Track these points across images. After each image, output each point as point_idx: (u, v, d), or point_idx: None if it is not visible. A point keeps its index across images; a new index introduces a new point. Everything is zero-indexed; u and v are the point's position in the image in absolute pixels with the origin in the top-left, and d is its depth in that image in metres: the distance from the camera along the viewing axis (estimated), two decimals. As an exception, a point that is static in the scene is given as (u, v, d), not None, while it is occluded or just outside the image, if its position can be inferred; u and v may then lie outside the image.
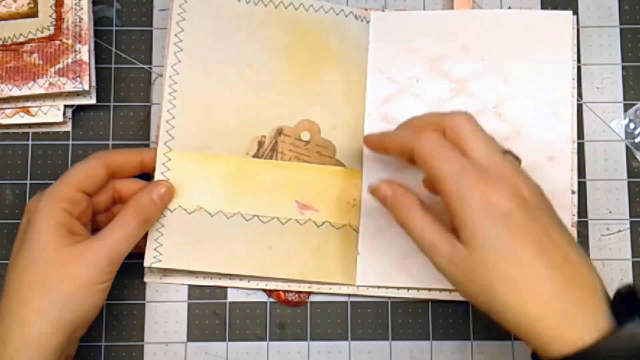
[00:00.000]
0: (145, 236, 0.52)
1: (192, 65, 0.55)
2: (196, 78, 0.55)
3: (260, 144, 0.54)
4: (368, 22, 0.57)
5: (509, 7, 0.58)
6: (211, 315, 0.55)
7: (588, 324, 0.41)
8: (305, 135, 0.55)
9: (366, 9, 0.57)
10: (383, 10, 0.58)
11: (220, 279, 0.54)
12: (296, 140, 0.55)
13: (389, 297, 0.55)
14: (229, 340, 0.55)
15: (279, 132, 0.55)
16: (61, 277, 0.47)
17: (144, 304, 0.55)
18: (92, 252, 0.48)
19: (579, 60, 0.58)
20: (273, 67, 0.56)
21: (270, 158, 0.54)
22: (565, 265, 0.43)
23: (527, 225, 0.43)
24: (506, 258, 0.43)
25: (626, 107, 0.58)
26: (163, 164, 0.53)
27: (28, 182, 0.56)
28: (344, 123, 0.56)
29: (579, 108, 0.57)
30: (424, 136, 0.46)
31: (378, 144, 0.51)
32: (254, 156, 0.54)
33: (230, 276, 0.54)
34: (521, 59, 0.56)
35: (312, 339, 0.55)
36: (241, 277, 0.54)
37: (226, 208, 0.54)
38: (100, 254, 0.48)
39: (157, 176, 0.53)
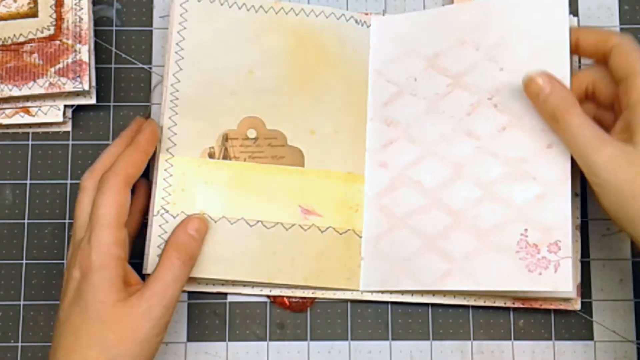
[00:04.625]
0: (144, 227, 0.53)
1: (194, 72, 0.55)
2: (197, 85, 0.55)
3: (211, 154, 0.54)
4: (369, 26, 0.57)
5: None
6: (211, 315, 0.55)
7: None
8: (252, 133, 0.55)
9: (366, 14, 0.57)
10: (383, 15, 0.58)
11: (222, 285, 0.54)
12: (244, 141, 0.54)
13: (393, 302, 0.55)
14: (229, 340, 0.55)
15: (225, 138, 0.54)
16: (118, 334, 0.47)
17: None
18: (145, 303, 0.47)
19: (579, 60, 0.58)
20: (274, 73, 0.55)
21: None
22: None
23: None
24: None
25: (626, 107, 0.58)
26: (165, 170, 0.53)
27: (28, 182, 0.56)
28: (345, 128, 0.55)
29: (579, 108, 0.57)
30: (628, 36, 0.50)
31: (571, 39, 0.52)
32: None
33: (234, 282, 0.54)
34: (516, 44, 0.54)
35: (312, 339, 0.55)
36: (244, 283, 0.54)
37: (229, 213, 0.53)
38: (153, 304, 0.47)
39: (160, 182, 0.53)
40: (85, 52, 0.54)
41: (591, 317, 0.55)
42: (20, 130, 0.57)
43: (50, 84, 0.54)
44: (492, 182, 0.53)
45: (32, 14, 0.55)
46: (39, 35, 0.55)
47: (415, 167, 0.55)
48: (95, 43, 0.56)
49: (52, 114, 0.56)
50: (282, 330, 0.55)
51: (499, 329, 0.55)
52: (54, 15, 0.55)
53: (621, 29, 0.58)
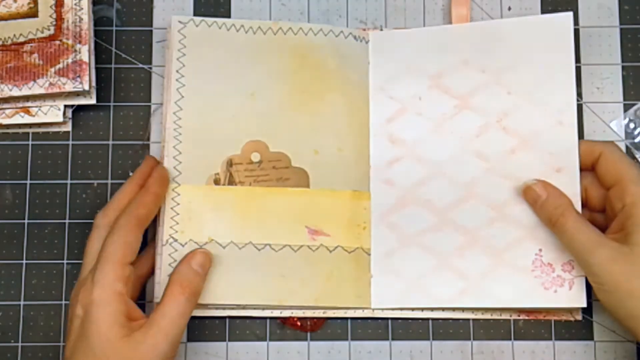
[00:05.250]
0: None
1: (195, 99, 0.55)
2: (200, 111, 0.54)
3: (217, 181, 0.54)
4: (367, 42, 0.57)
5: (509, 8, 0.58)
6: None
7: None
8: (256, 156, 0.54)
9: (364, 29, 0.57)
10: (381, 30, 0.58)
11: (232, 309, 0.54)
12: (248, 165, 0.54)
13: (406, 319, 0.55)
14: (229, 340, 0.55)
15: (229, 163, 0.54)
16: None
17: (143, 304, 0.55)
18: (151, 339, 0.46)
19: (578, 61, 0.58)
20: (275, 94, 0.55)
21: None
22: None
23: None
24: None
25: (626, 107, 0.58)
26: (172, 199, 0.53)
27: (28, 182, 0.56)
28: (349, 145, 0.55)
29: (579, 108, 0.57)
30: (613, 143, 0.53)
31: None
32: None
33: (244, 306, 0.54)
34: (523, 67, 0.55)
35: (312, 339, 0.55)
36: (254, 306, 0.54)
37: (237, 239, 0.53)
38: (159, 340, 0.46)
39: (167, 212, 0.53)
40: (85, 52, 0.54)
41: (591, 317, 0.55)
42: (20, 130, 0.57)
43: (50, 84, 0.54)
44: (503, 203, 0.54)
45: (32, 14, 0.55)
46: (39, 35, 0.55)
47: (423, 186, 0.55)
48: (95, 43, 0.56)
49: (52, 114, 0.56)
50: (282, 330, 0.55)
51: (499, 329, 0.55)
52: (54, 15, 0.55)
53: (621, 29, 0.58)
